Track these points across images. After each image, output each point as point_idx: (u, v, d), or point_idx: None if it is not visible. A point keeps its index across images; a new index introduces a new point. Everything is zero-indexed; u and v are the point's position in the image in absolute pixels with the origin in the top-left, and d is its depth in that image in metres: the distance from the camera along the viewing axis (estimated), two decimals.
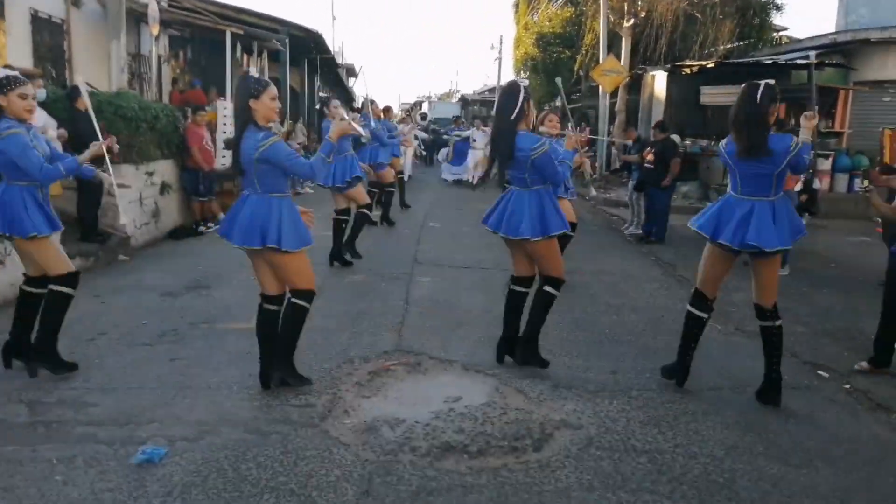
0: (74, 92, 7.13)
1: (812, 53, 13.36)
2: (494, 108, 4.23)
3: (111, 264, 7.26)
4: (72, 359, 4.15)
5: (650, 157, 9.34)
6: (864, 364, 4.65)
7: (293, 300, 3.83)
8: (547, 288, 4.38)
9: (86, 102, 7.21)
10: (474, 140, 16.19)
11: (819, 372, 4.64)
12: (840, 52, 14.64)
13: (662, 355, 4.76)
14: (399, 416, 3.61)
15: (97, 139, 4.36)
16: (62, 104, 7.22)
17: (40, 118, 6.42)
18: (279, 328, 3.87)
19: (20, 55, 9.40)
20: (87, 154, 4.21)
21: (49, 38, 10.42)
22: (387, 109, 10.98)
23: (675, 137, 12.71)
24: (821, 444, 3.51)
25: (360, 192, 7.43)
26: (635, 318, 5.71)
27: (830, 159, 12.72)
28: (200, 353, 4.54)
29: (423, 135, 19.67)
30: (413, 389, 4.06)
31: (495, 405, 3.81)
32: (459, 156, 16.89)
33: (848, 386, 4.39)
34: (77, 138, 6.84)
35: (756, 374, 4.13)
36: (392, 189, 10.13)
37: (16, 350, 4.08)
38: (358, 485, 2.94)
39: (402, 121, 18.53)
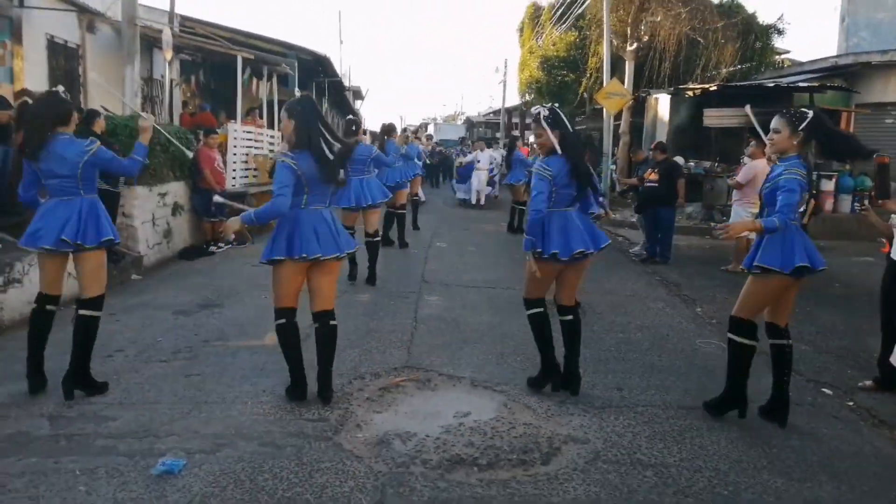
0: (92, 115, 7.32)
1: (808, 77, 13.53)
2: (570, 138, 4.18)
3: (125, 283, 7.39)
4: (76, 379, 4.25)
5: (653, 176, 9.40)
6: (869, 382, 4.72)
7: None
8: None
9: (102, 125, 7.45)
10: (478, 161, 16.41)
11: (823, 389, 4.71)
12: (842, 75, 14.82)
13: (668, 373, 4.86)
14: (410, 430, 3.70)
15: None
16: (80, 127, 7.38)
17: None
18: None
19: (37, 79, 9.65)
20: (144, 135, 4.42)
21: (64, 63, 10.69)
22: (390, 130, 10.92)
23: (679, 159, 12.87)
24: (824, 459, 3.58)
25: (374, 219, 7.53)
26: (640, 337, 5.79)
27: (833, 180, 12.83)
28: (214, 369, 4.64)
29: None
30: (423, 404, 4.14)
31: (504, 420, 3.89)
32: (463, 178, 17.15)
33: (851, 403, 4.46)
34: None
35: (760, 391, 4.20)
36: (403, 211, 10.22)
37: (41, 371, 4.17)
38: (371, 496, 3.02)
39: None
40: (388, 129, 9.42)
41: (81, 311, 4.09)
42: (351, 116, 9.63)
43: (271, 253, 3.93)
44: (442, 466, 3.30)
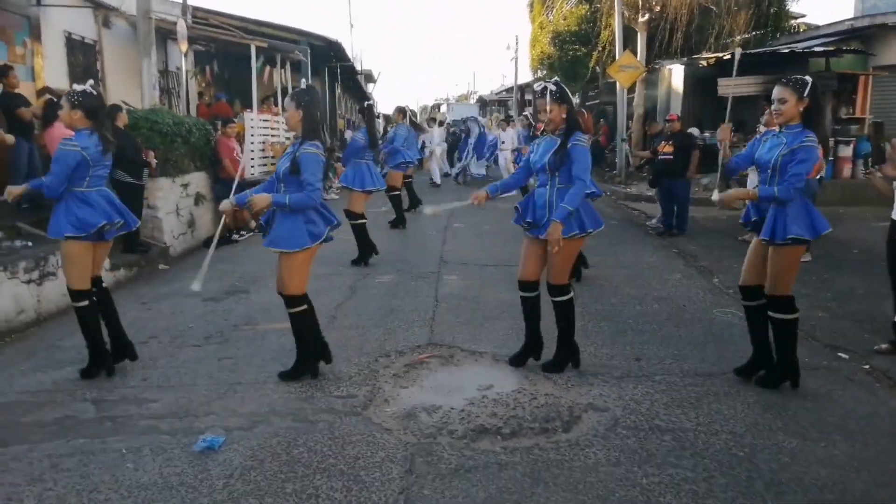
0: (114, 109, 7.49)
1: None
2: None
3: (153, 273, 7.61)
4: (127, 360, 4.51)
5: (668, 148, 9.35)
6: (885, 346, 4.79)
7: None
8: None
9: (125, 119, 7.63)
10: (502, 142, 16.25)
11: (839, 354, 4.79)
12: (858, 37, 14.61)
13: (685, 343, 4.97)
14: (435, 404, 3.85)
15: (140, 154, 4.70)
16: None
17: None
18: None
19: (56, 76, 9.84)
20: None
21: (83, 59, 10.87)
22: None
23: (694, 130, 12.84)
24: (838, 420, 3.68)
25: (357, 202, 7.69)
26: (658, 308, 5.89)
27: (852, 146, 12.71)
28: (245, 352, 4.83)
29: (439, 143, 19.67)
30: (447, 379, 4.30)
31: (525, 391, 4.04)
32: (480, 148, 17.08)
33: (867, 366, 4.54)
34: (119, 153, 7.19)
35: (800, 354, 4.27)
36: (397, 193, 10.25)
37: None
38: (401, 464, 3.18)
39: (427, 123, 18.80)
40: (397, 115, 9.79)
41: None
42: (369, 102, 9.81)
43: (312, 239, 4.05)
44: (467, 436, 3.46)
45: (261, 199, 4.03)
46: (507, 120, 21.37)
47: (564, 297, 4.26)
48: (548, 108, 4.05)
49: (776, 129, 3.99)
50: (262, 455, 3.28)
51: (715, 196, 4.32)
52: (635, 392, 4.03)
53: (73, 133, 6.69)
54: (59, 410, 3.85)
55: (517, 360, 4.44)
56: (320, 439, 3.44)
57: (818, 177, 8.24)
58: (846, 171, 12.58)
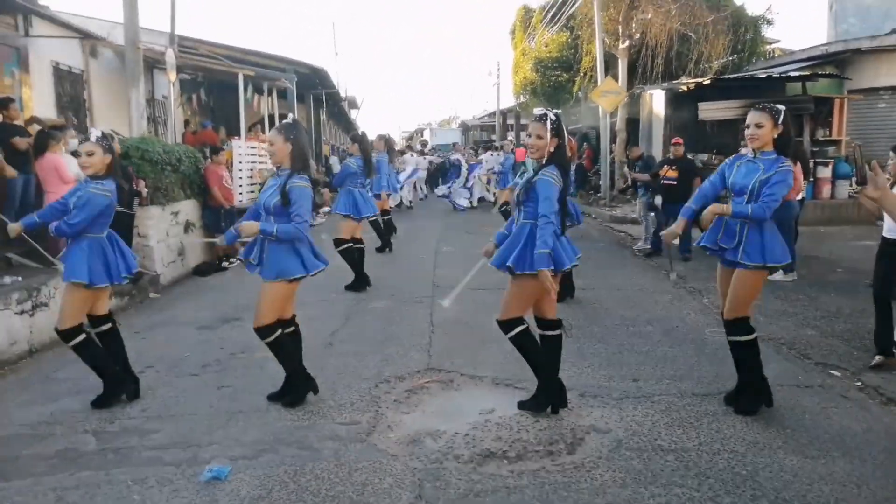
0: None
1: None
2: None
3: (144, 302, 7.57)
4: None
5: (672, 173, 9.22)
6: (877, 359, 4.88)
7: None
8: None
9: (117, 148, 7.62)
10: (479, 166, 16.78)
11: (831, 371, 4.88)
12: (832, 62, 15.02)
13: (680, 363, 5.04)
14: (439, 429, 3.87)
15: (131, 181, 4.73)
16: None
17: (74, 166, 6.78)
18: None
19: (44, 106, 9.86)
20: None
21: (70, 88, 10.88)
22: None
23: None
24: (836, 437, 3.75)
25: (349, 229, 7.71)
26: (651, 329, 5.96)
27: (830, 167, 13.01)
28: (244, 380, 4.81)
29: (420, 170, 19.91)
30: (448, 404, 4.32)
31: (527, 415, 4.06)
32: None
33: (859, 383, 4.63)
34: None
35: (770, 375, 4.36)
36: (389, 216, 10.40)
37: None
38: (411, 490, 3.19)
39: (402, 151, 19.11)
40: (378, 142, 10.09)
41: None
42: (362, 130, 10.03)
43: (305, 268, 4.08)
44: (474, 460, 3.48)
45: (249, 226, 4.08)
46: (487, 147, 21.82)
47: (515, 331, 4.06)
48: (540, 135, 3.87)
49: (749, 153, 4.01)
50: (269, 484, 3.27)
51: (666, 233, 4.28)
52: (636, 413, 4.08)
53: (63, 164, 6.70)
54: (60, 443, 3.81)
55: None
56: (327, 467, 3.44)
57: (799, 197, 8.43)
58: (826, 191, 12.85)
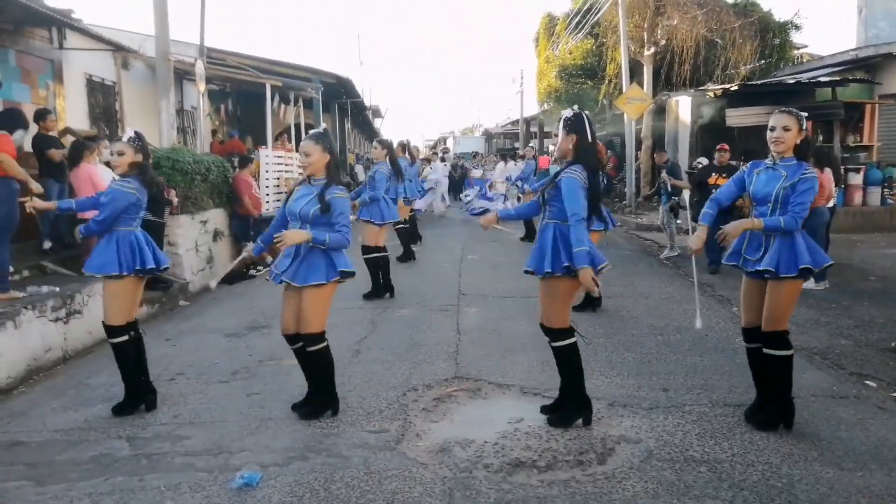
0: None
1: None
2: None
3: (174, 310, 7.67)
4: (157, 397, 4.56)
5: (722, 181, 8.43)
6: None
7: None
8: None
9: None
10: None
11: (866, 382, 4.78)
12: (863, 67, 14.80)
13: (711, 372, 4.97)
14: (468, 438, 3.86)
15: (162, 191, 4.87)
16: None
17: (108, 176, 6.90)
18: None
19: (77, 117, 10.07)
20: None
21: (102, 100, 11.11)
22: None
23: (703, 160, 12.91)
24: (872, 449, 3.67)
25: (373, 235, 7.72)
26: (680, 338, 5.90)
27: (861, 173, 12.79)
28: (273, 387, 4.85)
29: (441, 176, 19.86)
30: (477, 413, 4.31)
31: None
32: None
33: (895, 394, 4.53)
34: None
35: (803, 386, 4.30)
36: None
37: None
38: (441, 499, 3.19)
39: (426, 159, 19.15)
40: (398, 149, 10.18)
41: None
42: (387, 138, 10.14)
43: (334, 274, 4.03)
44: (503, 470, 3.46)
45: (296, 234, 3.96)
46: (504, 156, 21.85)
47: (564, 343, 3.97)
48: (559, 134, 3.93)
49: (769, 160, 3.91)
50: (300, 491, 3.29)
51: (691, 241, 4.14)
52: (666, 423, 4.03)
53: (98, 173, 6.82)
54: (94, 448, 3.87)
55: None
56: (357, 475, 3.45)
57: (830, 205, 8.30)
58: (857, 198, 12.64)
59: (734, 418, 4.09)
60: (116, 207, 4.25)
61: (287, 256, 4.13)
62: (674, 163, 11.52)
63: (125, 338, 4.33)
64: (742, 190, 4.02)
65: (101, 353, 5.81)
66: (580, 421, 4.02)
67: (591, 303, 6.78)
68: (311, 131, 4.32)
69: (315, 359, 4.20)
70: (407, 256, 10.22)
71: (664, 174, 10.26)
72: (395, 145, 10.67)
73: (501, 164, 18.38)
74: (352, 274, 4.15)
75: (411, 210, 11.44)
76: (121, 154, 4.33)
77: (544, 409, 4.15)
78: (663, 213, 10.39)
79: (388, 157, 7.83)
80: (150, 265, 4.37)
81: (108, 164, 7.27)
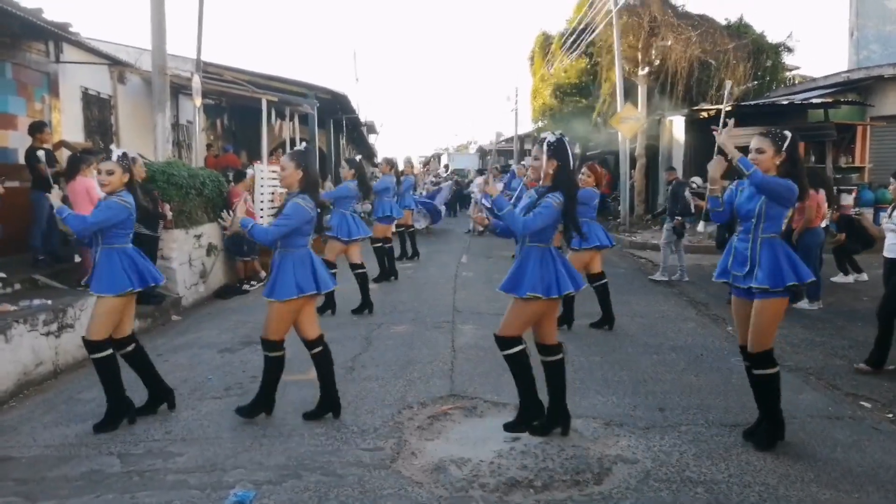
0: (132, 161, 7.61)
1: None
2: None
3: (166, 324, 7.62)
4: (150, 413, 4.53)
5: None
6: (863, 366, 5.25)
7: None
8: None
9: (142, 172, 7.74)
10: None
11: (861, 403, 4.78)
12: (854, 89, 14.96)
13: (706, 392, 4.96)
14: (464, 456, 3.83)
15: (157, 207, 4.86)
16: None
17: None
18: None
19: (72, 130, 10.04)
20: None
21: (98, 113, 11.09)
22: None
23: (698, 179, 12.99)
24: (869, 470, 3.66)
25: (334, 251, 7.79)
26: (675, 357, 5.89)
27: (853, 194, 12.89)
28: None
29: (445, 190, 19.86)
30: (472, 431, 4.28)
31: (552, 443, 4.02)
32: None
33: (891, 415, 4.54)
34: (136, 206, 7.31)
35: (799, 406, 4.30)
36: (390, 244, 10.11)
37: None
38: None
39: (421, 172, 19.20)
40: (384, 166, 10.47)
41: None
42: (360, 156, 10.22)
43: (301, 289, 4.26)
44: (500, 489, 3.43)
45: (236, 221, 4.37)
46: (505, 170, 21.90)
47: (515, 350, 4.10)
48: (537, 156, 3.95)
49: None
50: None
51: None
52: (663, 443, 4.02)
53: (94, 185, 6.80)
54: (85, 465, 3.82)
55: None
56: (351, 493, 3.41)
57: (823, 225, 8.34)
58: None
59: (731, 438, 4.08)
60: (109, 218, 4.26)
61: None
62: (681, 181, 11.49)
63: (109, 351, 4.34)
64: (731, 206, 4.11)
65: (92, 367, 5.73)
66: (577, 440, 4.02)
67: (563, 320, 6.69)
68: (293, 149, 4.49)
69: (323, 362, 4.56)
70: (384, 276, 9.84)
71: (686, 193, 10.15)
72: (385, 162, 10.68)
73: (480, 178, 18.38)
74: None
75: (397, 227, 11.39)
76: (110, 173, 4.34)
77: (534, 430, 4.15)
78: (666, 234, 10.29)
79: (356, 177, 7.94)
80: (152, 281, 4.44)
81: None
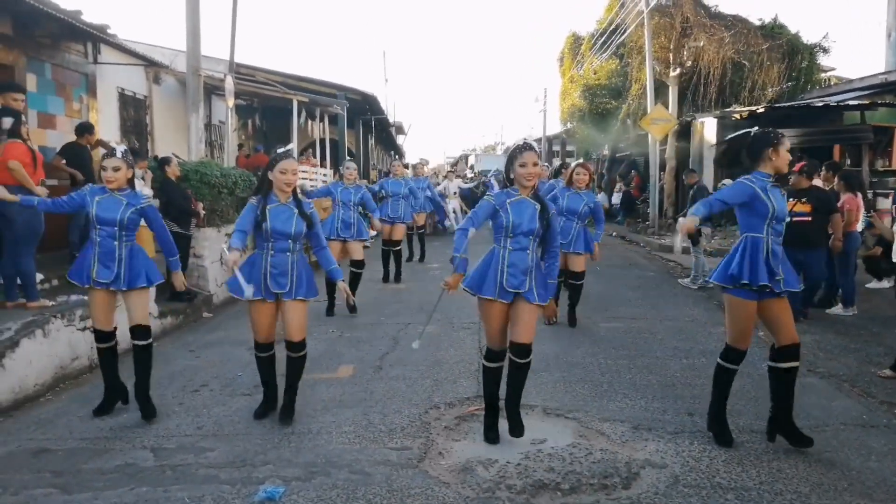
0: (164, 161, 7.77)
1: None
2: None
3: (198, 321, 7.74)
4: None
5: (804, 207, 7.15)
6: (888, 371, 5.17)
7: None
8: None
9: (177, 171, 7.88)
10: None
11: None
12: (892, 91, 14.62)
13: (737, 397, 4.88)
14: (491, 457, 3.83)
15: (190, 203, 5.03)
16: (154, 174, 7.84)
17: (145, 190, 7.02)
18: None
19: (109, 130, 10.27)
20: None
21: (133, 113, 11.32)
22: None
23: (728, 181, 12.79)
24: None
25: (356, 249, 7.89)
26: (705, 362, 5.82)
27: (890, 197, 12.59)
28: (296, 401, 4.85)
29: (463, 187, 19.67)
30: (499, 432, 4.27)
31: (580, 446, 4.00)
32: None
33: None
34: (168, 203, 7.45)
35: (832, 414, 4.22)
36: (398, 248, 10.14)
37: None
38: None
39: (446, 176, 19.19)
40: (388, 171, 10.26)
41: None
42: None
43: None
44: (527, 491, 3.43)
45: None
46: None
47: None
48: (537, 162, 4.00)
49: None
50: None
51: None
52: (692, 448, 3.97)
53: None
54: (120, 458, 3.90)
55: None
56: (379, 492, 3.44)
57: (859, 229, 8.17)
58: (886, 223, 12.42)
59: (761, 445, 4.02)
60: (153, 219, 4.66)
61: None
62: (702, 185, 11.42)
63: (101, 344, 4.66)
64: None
65: (126, 361, 5.87)
66: (605, 443, 4.00)
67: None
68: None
69: (299, 366, 4.62)
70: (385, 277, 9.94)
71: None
72: (411, 165, 10.70)
73: (446, 181, 18.07)
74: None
75: (409, 228, 11.41)
76: (116, 169, 4.46)
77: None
78: (703, 238, 10.01)
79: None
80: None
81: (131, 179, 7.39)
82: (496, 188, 17.63)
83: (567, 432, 4.24)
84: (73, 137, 8.01)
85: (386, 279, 9.95)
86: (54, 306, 5.86)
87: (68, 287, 6.72)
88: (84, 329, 5.86)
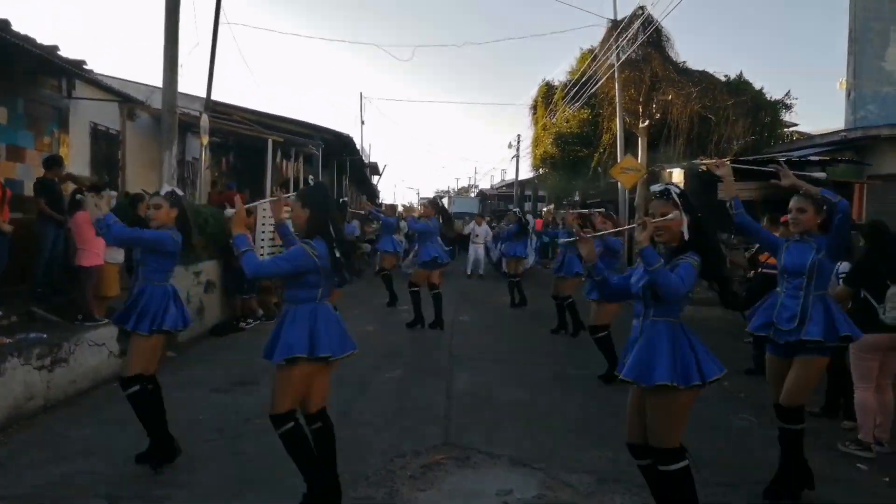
0: (137, 199, 7.69)
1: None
2: None
3: (160, 360, 7.54)
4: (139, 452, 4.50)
5: (772, 259, 6.07)
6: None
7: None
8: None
9: (146, 208, 7.80)
10: (476, 235, 17.77)
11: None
12: (852, 147, 15.17)
13: (705, 450, 4.89)
14: None
15: None
16: (123, 211, 7.74)
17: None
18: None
19: (79, 164, 10.17)
20: None
21: (105, 148, 11.24)
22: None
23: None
24: None
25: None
26: None
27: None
28: (259, 448, 4.73)
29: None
30: (465, 482, 4.23)
31: (545, 498, 3.97)
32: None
33: None
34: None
35: (819, 465, 4.24)
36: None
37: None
38: None
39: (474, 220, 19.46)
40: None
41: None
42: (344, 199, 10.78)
43: (291, 350, 3.51)
44: None
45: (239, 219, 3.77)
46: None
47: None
48: (662, 211, 3.31)
49: (794, 236, 4.16)
50: None
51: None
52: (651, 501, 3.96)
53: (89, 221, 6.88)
54: None
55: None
56: None
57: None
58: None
59: (725, 498, 4.05)
60: (158, 243, 4.37)
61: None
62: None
63: (137, 387, 4.43)
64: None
65: (82, 404, 5.72)
66: (570, 495, 3.97)
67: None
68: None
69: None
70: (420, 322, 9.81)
71: (746, 253, 9.76)
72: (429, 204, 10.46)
73: (473, 224, 18.67)
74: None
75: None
76: (157, 207, 4.46)
77: None
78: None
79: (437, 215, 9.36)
80: (175, 327, 4.59)
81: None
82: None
83: (533, 483, 4.21)
84: (41, 171, 7.90)
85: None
86: (11, 343, 5.70)
87: (27, 324, 6.58)
88: (41, 368, 5.69)
